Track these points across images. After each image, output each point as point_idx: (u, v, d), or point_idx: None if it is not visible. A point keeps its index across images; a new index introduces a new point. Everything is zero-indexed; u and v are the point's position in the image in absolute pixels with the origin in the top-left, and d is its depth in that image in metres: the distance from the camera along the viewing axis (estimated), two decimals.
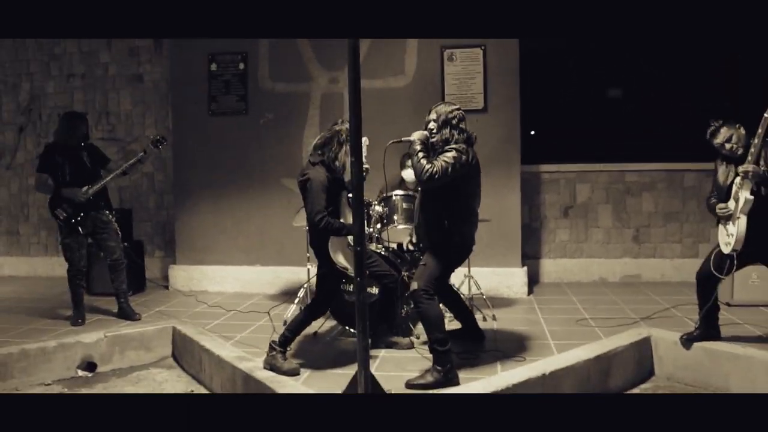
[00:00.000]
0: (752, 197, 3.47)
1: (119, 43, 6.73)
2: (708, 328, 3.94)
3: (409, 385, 3.31)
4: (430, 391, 3.20)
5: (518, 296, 5.58)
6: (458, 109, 3.57)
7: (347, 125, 3.63)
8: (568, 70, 6.34)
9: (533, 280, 6.04)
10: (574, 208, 6.21)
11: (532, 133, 6.87)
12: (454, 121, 3.50)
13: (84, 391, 4.06)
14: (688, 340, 3.93)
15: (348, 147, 3.57)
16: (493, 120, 5.52)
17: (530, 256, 6.15)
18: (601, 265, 6.16)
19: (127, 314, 4.90)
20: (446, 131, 3.49)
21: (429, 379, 3.30)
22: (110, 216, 4.99)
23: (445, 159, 3.37)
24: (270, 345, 3.63)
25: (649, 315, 4.69)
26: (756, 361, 3.67)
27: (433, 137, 3.52)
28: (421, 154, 3.39)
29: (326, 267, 3.71)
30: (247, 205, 5.95)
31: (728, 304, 4.93)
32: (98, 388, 4.12)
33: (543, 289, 5.90)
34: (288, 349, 3.65)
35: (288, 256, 5.85)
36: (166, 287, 6.18)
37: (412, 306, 4.32)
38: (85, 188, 4.79)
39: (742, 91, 5.78)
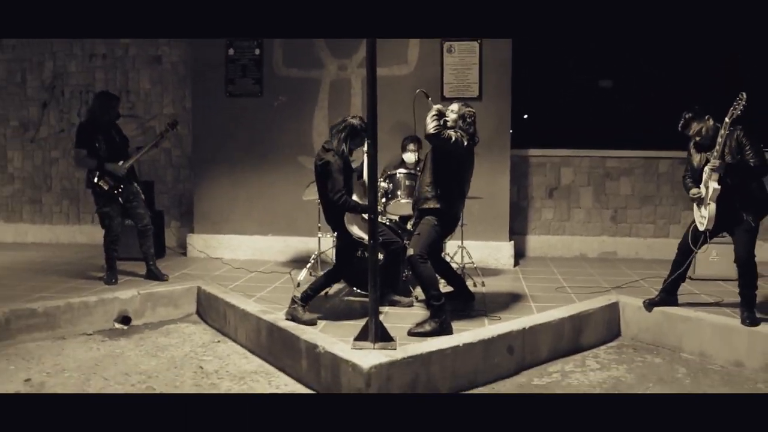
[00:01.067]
0: (719, 186, 4.09)
1: None
2: (668, 295, 4.61)
3: (410, 332, 3.96)
4: (429, 339, 3.84)
5: (505, 267, 6.24)
6: (473, 112, 4.31)
7: (354, 121, 4.27)
8: (559, 62, 6.93)
9: (519, 254, 6.69)
10: (558, 190, 6.85)
11: (525, 117, 7.49)
12: (467, 119, 4.25)
13: (123, 341, 4.67)
14: (650, 305, 4.61)
15: (343, 135, 4.23)
16: (487, 108, 6.12)
17: (517, 232, 6.79)
18: (582, 242, 6.83)
19: (155, 275, 5.49)
20: (460, 122, 4.23)
21: (427, 328, 3.95)
22: (138, 187, 5.57)
23: (449, 132, 4.12)
24: (292, 299, 4.26)
25: (620, 285, 5.36)
26: (704, 323, 4.35)
27: (448, 121, 4.22)
28: (435, 116, 4.11)
29: (344, 239, 4.32)
30: (261, 180, 6.54)
31: (690, 278, 5.56)
32: (134, 339, 4.73)
33: (528, 262, 6.56)
34: (307, 304, 4.27)
35: (298, 227, 6.46)
36: (184, 254, 6.78)
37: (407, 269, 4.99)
38: (121, 162, 5.36)
39: (718, 84, 6.41)
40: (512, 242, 6.36)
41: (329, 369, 3.59)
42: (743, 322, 4.14)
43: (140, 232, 5.55)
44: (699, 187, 4.29)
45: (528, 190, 6.88)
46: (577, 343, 4.48)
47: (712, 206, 4.15)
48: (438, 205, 4.19)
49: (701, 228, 4.29)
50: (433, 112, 4.13)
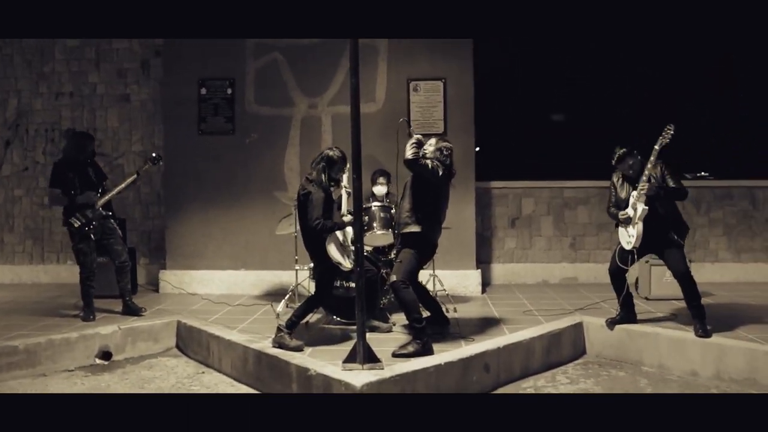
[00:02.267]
0: (647, 207, 4.68)
1: (107, 65, 7.51)
2: (627, 313, 5.11)
3: (395, 354, 4.30)
4: (412, 359, 4.18)
5: (473, 295, 6.66)
6: (450, 147, 4.78)
7: (330, 152, 4.68)
8: (518, 99, 7.54)
9: (486, 282, 7.14)
10: (520, 219, 7.37)
11: (477, 149, 8.03)
12: (444, 151, 4.70)
13: (107, 375, 4.84)
14: (611, 323, 5.09)
15: (322, 166, 4.63)
16: (452, 142, 6.55)
17: (483, 261, 7.25)
18: (544, 268, 7.33)
19: (133, 311, 5.67)
20: (437, 154, 4.67)
21: (410, 349, 4.30)
22: (115, 224, 5.79)
23: (427, 161, 4.56)
24: (278, 327, 4.54)
25: (583, 307, 5.84)
26: (662, 337, 4.84)
27: (426, 153, 4.65)
28: (414, 144, 4.53)
29: (323, 265, 4.66)
30: (233, 216, 6.83)
31: (647, 299, 6.15)
32: (118, 373, 4.90)
33: (494, 289, 7.01)
34: (293, 331, 4.57)
35: (270, 261, 6.75)
36: (155, 290, 6.96)
37: (391, 297, 5.36)
38: (95, 193, 5.57)
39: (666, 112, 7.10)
40: (479, 270, 6.81)
41: (321, 390, 3.88)
42: (697, 333, 4.65)
43: (118, 269, 5.74)
44: (625, 211, 4.87)
45: (491, 220, 7.37)
46: (547, 361, 4.90)
47: (640, 225, 4.74)
48: (419, 229, 4.58)
49: (628, 247, 4.87)
50: (413, 141, 4.55)
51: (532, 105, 7.59)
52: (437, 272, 6.01)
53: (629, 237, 4.83)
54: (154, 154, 5.87)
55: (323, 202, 4.56)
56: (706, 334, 4.64)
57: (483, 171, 7.06)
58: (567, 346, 5.09)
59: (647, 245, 4.84)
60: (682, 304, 5.77)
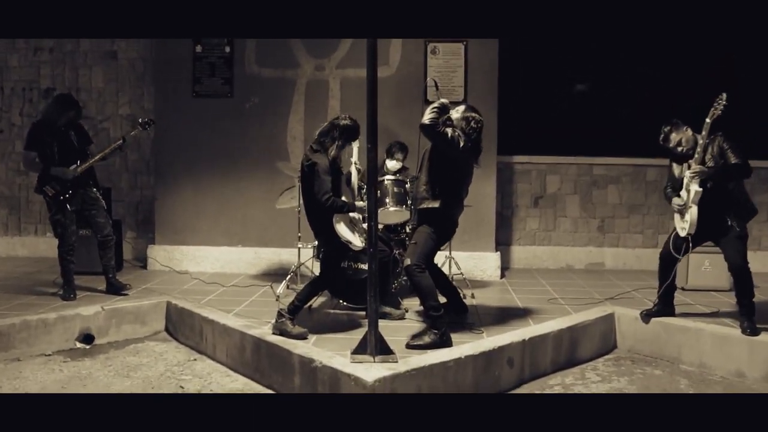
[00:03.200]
0: (701, 189, 4.40)
1: None
2: (665, 306, 4.88)
3: (408, 345, 4.09)
4: (428, 351, 3.98)
5: (492, 279, 6.44)
6: (480, 119, 4.44)
7: (346, 122, 4.42)
8: (547, 66, 7.23)
9: (504, 266, 6.91)
10: (544, 198, 7.12)
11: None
12: (472, 123, 4.37)
13: (88, 361, 4.64)
14: (647, 316, 4.86)
15: (340, 143, 4.37)
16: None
17: (501, 243, 7.02)
18: (568, 252, 7.10)
19: (117, 289, 5.47)
20: (462, 123, 4.35)
21: (426, 340, 4.09)
22: (98, 193, 5.55)
23: (447, 129, 4.26)
24: (279, 312, 4.33)
25: (613, 296, 5.62)
26: (704, 333, 4.63)
27: (451, 120, 4.35)
28: (435, 109, 4.21)
29: (330, 245, 4.43)
30: (230, 188, 6.59)
31: (683, 289, 5.91)
32: (100, 359, 4.71)
33: (514, 274, 6.79)
34: (296, 317, 4.36)
35: (270, 238, 6.53)
36: (143, 267, 6.75)
37: (403, 280, 5.14)
38: (73, 166, 5.33)
39: (710, 88, 6.81)
40: (498, 253, 6.58)
41: (327, 384, 3.68)
42: (744, 331, 4.42)
43: (100, 243, 5.53)
44: (680, 195, 4.59)
45: (512, 198, 7.12)
46: (575, 356, 4.69)
47: (694, 209, 4.46)
48: (437, 204, 4.33)
49: (683, 234, 4.60)
50: (435, 104, 4.25)
51: (561, 72, 7.27)
52: (453, 254, 5.78)
53: (684, 223, 4.56)
54: (144, 118, 5.63)
55: (330, 174, 4.31)
56: (754, 332, 4.41)
57: (504, 144, 6.79)
58: (597, 340, 4.89)
59: (704, 232, 4.55)
60: (722, 296, 5.61)
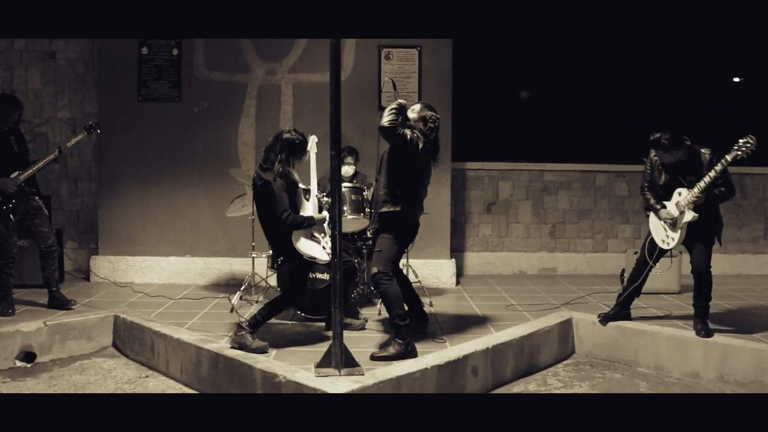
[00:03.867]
0: (697, 215, 4.46)
1: None
2: (622, 309, 4.95)
3: (373, 357, 4.00)
4: (394, 363, 3.89)
5: (447, 286, 6.42)
6: (437, 117, 4.41)
7: (290, 135, 4.32)
8: (497, 75, 7.29)
9: (458, 272, 6.90)
10: (496, 204, 7.16)
11: None
12: (429, 123, 4.33)
13: (30, 381, 4.36)
14: (604, 319, 4.91)
15: (282, 156, 4.26)
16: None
17: (455, 249, 7.00)
18: (521, 258, 7.16)
19: (60, 303, 5.18)
20: (420, 124, 4.31)
21: (391, 351, 4.01)
22: (40, 201, 5.26)
23: (405, 130, 4.18)
24: (238, 325, 4.17)
25: (569, 301, 5.67)
26: (660, 336, 4.69)
27: (408, 120, 4.30)
28: (393, 110, 4.13)
29: (294, 260, 4.30)
30: (179, 195, 6.35)
31: None
32: (44, 378, 4.43)
33: (468, 281, 6.78)
34: (256, 331, 4.20)
35: (220, 247, 6.34)
36: (86, 278, 6.43)
37: (360, 289, 5.05)
38: (15, 174, 5.03)
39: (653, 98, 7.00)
40: (453, 260, 6.56)
41: None
42: (698, 333, 4.52)
43: (43, 254, 5.23)
44: (666, 206, 4.65)
45: (465, 204, 7.13)
46: (536, 362, 4.69)
47: (684, 230, 4.57)
48: (398, 208, 4.26)
49: (665, 247, 4.71)
50: (393, 106, 4.17)
51: (512, 81, 7.35)
52: (409, 261, 5.73)
53: (667, 237, 4.66)
54: (89, 122, 5.35)
55: (286, 191, 4.21)
56: (708, 334, 4.51)
57: (457, 150, 6.80)
58: (556, 345, 4.90)
59: (685, 242, 4.70)
60: (672, 299, 5.74)
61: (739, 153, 4.30)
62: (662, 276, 5.96)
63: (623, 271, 6.32)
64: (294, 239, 4.26)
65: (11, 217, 5.03)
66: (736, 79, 8.97)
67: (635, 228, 7.19)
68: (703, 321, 4.58)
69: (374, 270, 4.22)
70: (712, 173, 4.40)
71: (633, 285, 4.86)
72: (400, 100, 4.26)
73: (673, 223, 4.63)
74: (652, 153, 4.75)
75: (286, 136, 4.34)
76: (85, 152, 6.85)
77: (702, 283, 4.61)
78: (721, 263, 7.13)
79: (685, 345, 4.56)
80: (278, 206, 4.19)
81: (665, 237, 4.68)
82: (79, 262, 6.77)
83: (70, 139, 5.36)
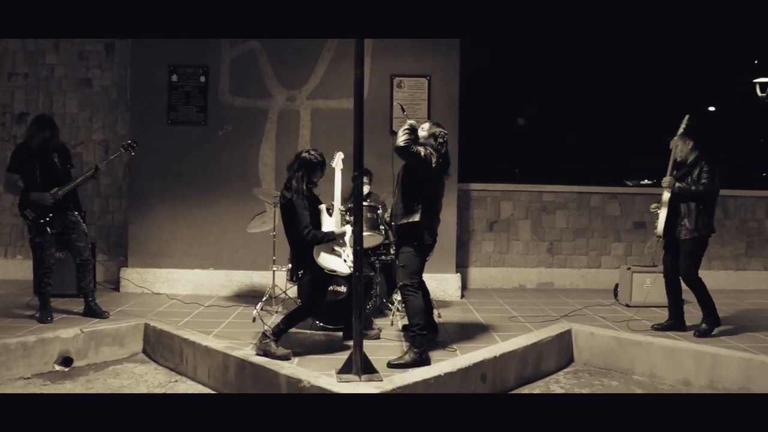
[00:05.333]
0: (669, 196, 4.98)
1: (67, 45, 6.96)
2: (677, 320, 5.23)
3: (390, 364, 4.04)
4: (410, 370, 3.94)
5: (453, 299, 6.46)
6: (446, 133, 4.50)
7: (307, 155, 4.42)
8: (501, 102, 7.40)
9: (462, 286, 6.95)
10: (498, 223, 7.22)
11: None
12: (439, 139, 4.42)
13: (68, 384, 4.40)
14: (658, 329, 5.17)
15: (299, 174, 4.35)
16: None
17: (459, 265, 7.05)
18: (520, 273, 7.20)
19: (96, 313, 5.23)
20: (431, 140, 4.40)
21: (407, 359, 4.06)
22: (78, 216, 5.32)
23: (419, 148, 4.28)
24: (263, 334, 4.22)
25: (567, 314, 5.72)
26: (654, 346, 4.74)
27: (419, 138, 4.38)
28: (406, 131, 4.25)
29: (315, 272, 4.36)
30: (204, 212, 6.42)
31: (627, 305, 6.09)
32: (81, 381, 4.46)
33: (472, 294, 6.83)
34: (280, 339, 4.25)
35: (241, 261, 6.39)
36: (115, 289, 6.48)
37: (376, 301, 5.10)
38: (54, 189, 5.10)
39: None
40: (459, 274, 6.61)
41: None
42: (694, 333, 4.93)
43: (79, 266, 5.29)
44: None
45: (469, 223, 7.19)
46: (539, 370, 4.73)
47: (664, 211, 5.01)
48: (415, 219, 4.32)
49: (658, 232, 5.09)
50: (406, 127, 4.28)
51: (513, 108, 7.45)
52: None
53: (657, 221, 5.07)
54: (128, 141, 5.42)
55: (307, 208, 4.28)
56: (699, 334, 4.91)
57: (462, 172, 6.88)
58: (557, 354, 4.94)
59: (670, 240, 5.08)
60: (664, 312, 5.78)
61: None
62: (653, 289, 6.01)
63: (617, 285, 6.39)
64: (315, 254, 4.31)
65: (48, 230, 5.09)
66: (712, 108, 9.13)
67: (626, 246, 7.25)
68: (705, 322, 4.97)
69: (400, 283, 4.28)
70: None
71: (671, 297, 5.25)
72: (411, 122, 4.35)
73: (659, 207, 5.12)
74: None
75: (303, 155, 4.43)
76: (117, 171, 6.93)
77: (692, 290, 4.93)
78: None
79: (677, 354, 4.60)
80: (299, 223, 4.26)
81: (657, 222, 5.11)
82: (110, 274, 6.83)
83: (106, 158, 5.44)
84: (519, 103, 7.46)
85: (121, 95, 6.92)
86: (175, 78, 6.35)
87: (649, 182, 7.92)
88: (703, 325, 5.02)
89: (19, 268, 6.78)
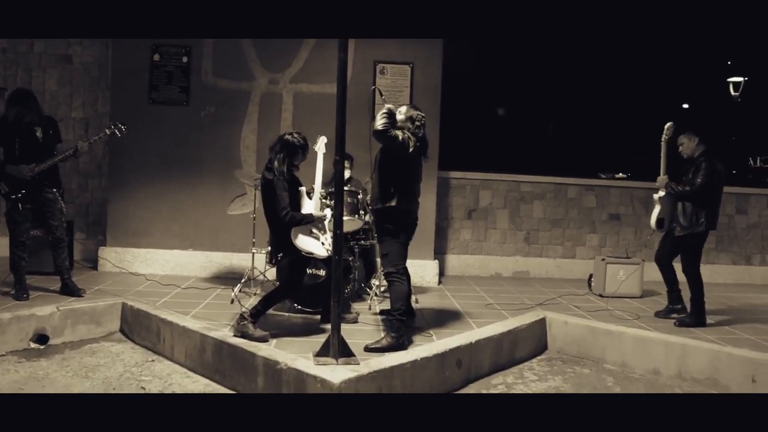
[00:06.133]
0: (663, 194, 5.14)
1: None
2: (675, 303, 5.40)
3: (367, 348, 4.02)
4: (386, 354, 3.92)
5: (430, 285, 6.46)
6: (423, 116, 4.44)
7: (290, 138, 4.35)
8: (481, 92, 7.37)
9: (440, 273, 6.95)
10: (476, 211, 7.22)
11: None
12: (416, 122, 4.36)
13: (44, 361, 4.31)
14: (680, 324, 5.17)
15: (281, 156, 4.28)
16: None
17: (437, 252, 7.04)
18: (497, 261, 7.22)
19: (71, 290, 5.13)
20: (409, 125, 4.33)
21: (384, 343, 4.04)
22: (56, 194, 5.19)
23: (397, 132, 4.21)
24: (241, 315, 4.17)
25: (542, 302, 5.74)
26: (626, 335, 4.78)
27: (396, 122, 4.30)
28: (384, 114, 4.17)
29: (293, 255, 4.31)
30: (184, 193, 6.31)
31: (600, 296, 6.13)
32: (56, 359, 4.37)
33: (449, 281, 6.83)
34: (257, 321, 4.20)
35: (221, 242, 6.31)
36: (93, 267, 6.37)
37: (353, 285, 5.07)
38: (32, 165, 4.97)
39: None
40: (437, 261, 6.61)
41: (293, 385, 3.55)
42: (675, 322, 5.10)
43: (52, 244, 5.19)
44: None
45: (448, 210, 7.18)
46: (513, 356, 4.74)
47: (658, 207, 5.15)
48: (392, 203, 4.27)
49: (652, 226, 5.26)
50: (383, 110, 4.20)
51: (496, 97, 7.43)
52: None
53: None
54: (116, 122, 5.26)
55: (287, 190, 4.22)
56: (679, 323, 5.08)
57: (442, 160, 6.86)
58: (531, 342, 4.96)
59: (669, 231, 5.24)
60: (635, 302, 5.85)
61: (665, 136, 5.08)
62: (626, 281, 6.07)
63: (590, 276, 6.44)
64: (293, 235, 4.25)
65: (19, 206, 4.97)
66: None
67: (601, 237, 7.30)
68: (690, 317, 5.12)
69: (385, 271, 4.26)
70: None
71: (670, 283, 5.46)
72: (389, 105, 4.28)
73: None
74: None
75: (286, 137, 4.37)
76: (96, 150, 6.78)
77: (687, 282, 5.13)
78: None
79: (647, 344, 4.64)
80: (278, 204, 4.19)
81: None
82: (88, 252, 6.70)
83: (88, 138, 5.31)
84: (500, 93, 7.44)
85: (102, 73, 6.76)
86: (157, 57, 6.21)
87: (624, 176, 7.96)
88: (687, 319, 5.15)
89: (1, 245, 6.63)
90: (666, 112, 7.59)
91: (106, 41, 6.63)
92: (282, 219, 4.20)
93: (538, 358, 4.95)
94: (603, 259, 6.19)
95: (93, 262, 6.45)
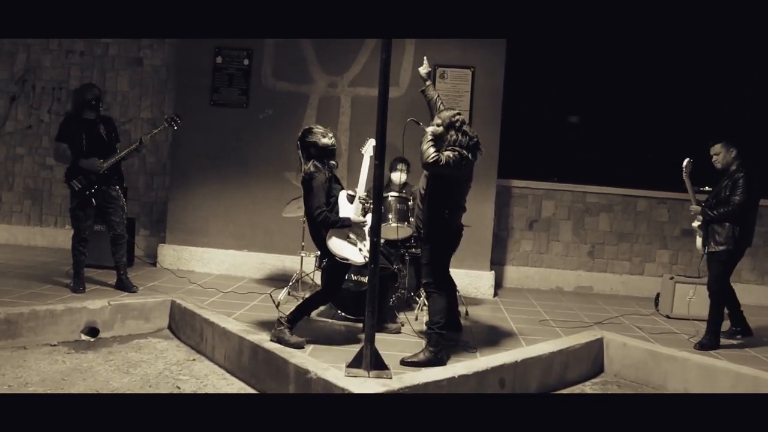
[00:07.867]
0: (700, 223, 4.74)
1: None
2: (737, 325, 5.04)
3: (404, 362, 3.82)
4: (423, 369, 3.70)
5: (485, 297, 6.17)
6: (459, 114, 4.05)
7: (324, 139, 4.19)
8: (546, 97, 7.01)
9: (496, 284, 6.64)
10: (538, 222, 6.86)
11: None
12: (456, 125, 3.96)
13: (90, 354, 4.37)
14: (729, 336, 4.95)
15: (312, 151, 4.14)
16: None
17: (495, 262, 6.74)
18: (559, 275, 6.83)
19: (126, 286, 5.21)
20: (453, 133, 3.95)
21: (421, 357, 3.82)
22: (119, 191, 5.29)
23: (448, 155, 3.86)
24: (278, 320, 4.07)
25: (602, 321, 5.35)
26: (690, 362, 4.34)
27: (443, 139, 3.98)
28: (430, 142, 3.86)
29: (333, 259, 4.16)
30: (241, 193, 6.33)
31: (668, 317, 5.66)
32: (103, 353, 4.43)
33: (506, 293, 6.51)
34: (294, 326, 4.08)
35: (275, 244, 6.27)
36: (153, 264, 6.48)
37: (400, 293, 4.88)
38: (100, 161, 5.08)
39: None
40: (493, 272, 6.31)
41: None
42: (695, 345, 4.71)
43: (111, 240, 5.28)
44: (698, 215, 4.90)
45: (509, 220, 6.86)
46: (564, 378, 4.41)
47: (699, 233, 4.89)
48: (438, 215, 4.04)
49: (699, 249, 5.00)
50: (429, 137, 3.91)
51: (561, 104, 7.05)
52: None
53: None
54: (170, 115, 5.33)
55: (325, 187, 4.06)
56: (699, 346, 4.68)
57: (503, 168, 6.55)
58: (585, 363, 4.60)
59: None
60: (704, 325, 5.32)
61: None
62: (696, 302, 5.56)
63: (658, 294, 5.96)
64: (327, 238, 4.10)
65: (93, 201, 5.08)
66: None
67: (673, 254, 6.76)
68: (708, 338, 4.71)
69: (424, 281, 4.08)
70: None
71: (730, 304, 5.07)
72: (429, 129, 3.99)
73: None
74: None
75: (311, 138, 4.20)
76: (162, 150, 6.93)
77: (711, 302, 4.75)
78: (758, 294, 6.66)
79: (714, 373, 4.20)
80: (314, 202, 4.04)
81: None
82: (151, 249, 6.84)
83: (150, 132, 5.40)
84: (567, 100, 7.03)
85: (170, 75, 6.90)
86: (219, 60, 6.26)
87: (710, 189, 7.35)
88: (705, 340, 4.77)
89: (66, 237, 6.79)
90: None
91: (174, 44, 6.74)
92: (315, 218, 4.04)
93: (593, 381, 4.58)
94: (671, 278, 5.71)
95: (154, 259, 6.56)
